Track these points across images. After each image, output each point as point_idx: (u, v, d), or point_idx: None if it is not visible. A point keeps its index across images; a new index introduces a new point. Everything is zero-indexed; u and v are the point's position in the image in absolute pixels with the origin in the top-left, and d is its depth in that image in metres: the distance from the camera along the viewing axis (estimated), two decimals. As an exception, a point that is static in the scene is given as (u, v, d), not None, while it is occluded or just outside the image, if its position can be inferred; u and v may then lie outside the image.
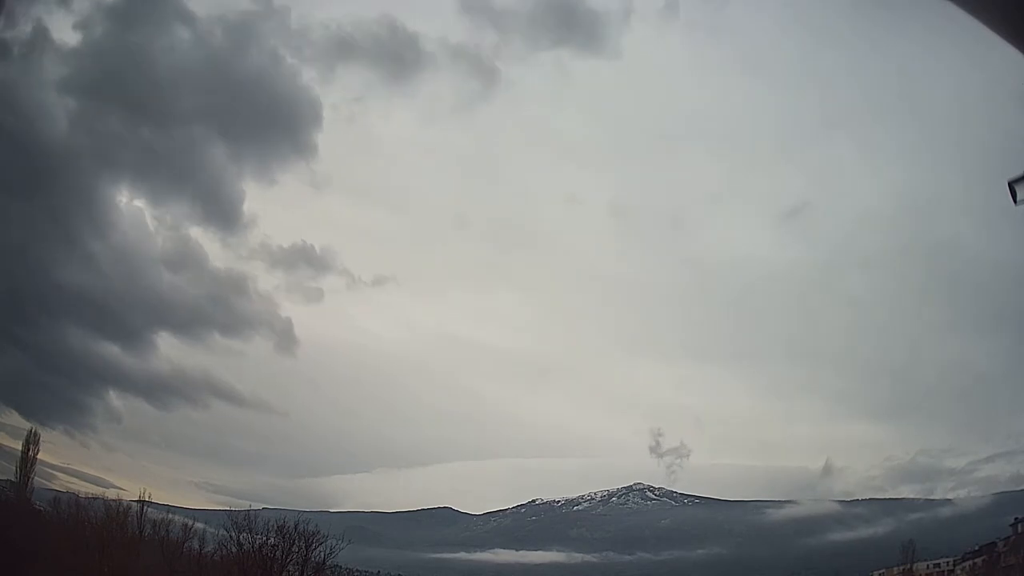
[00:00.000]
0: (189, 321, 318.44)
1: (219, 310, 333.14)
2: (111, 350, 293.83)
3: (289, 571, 71.83)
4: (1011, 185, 4.63)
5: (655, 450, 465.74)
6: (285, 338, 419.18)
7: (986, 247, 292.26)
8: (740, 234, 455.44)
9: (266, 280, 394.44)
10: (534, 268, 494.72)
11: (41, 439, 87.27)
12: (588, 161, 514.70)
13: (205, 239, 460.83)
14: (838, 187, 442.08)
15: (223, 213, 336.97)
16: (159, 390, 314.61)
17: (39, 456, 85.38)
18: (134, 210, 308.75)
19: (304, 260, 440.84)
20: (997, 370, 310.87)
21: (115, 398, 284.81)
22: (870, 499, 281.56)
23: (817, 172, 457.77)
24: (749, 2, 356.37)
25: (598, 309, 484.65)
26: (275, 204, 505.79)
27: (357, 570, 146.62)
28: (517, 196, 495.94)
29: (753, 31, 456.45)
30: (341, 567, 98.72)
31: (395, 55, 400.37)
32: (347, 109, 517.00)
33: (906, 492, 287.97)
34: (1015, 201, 4.61)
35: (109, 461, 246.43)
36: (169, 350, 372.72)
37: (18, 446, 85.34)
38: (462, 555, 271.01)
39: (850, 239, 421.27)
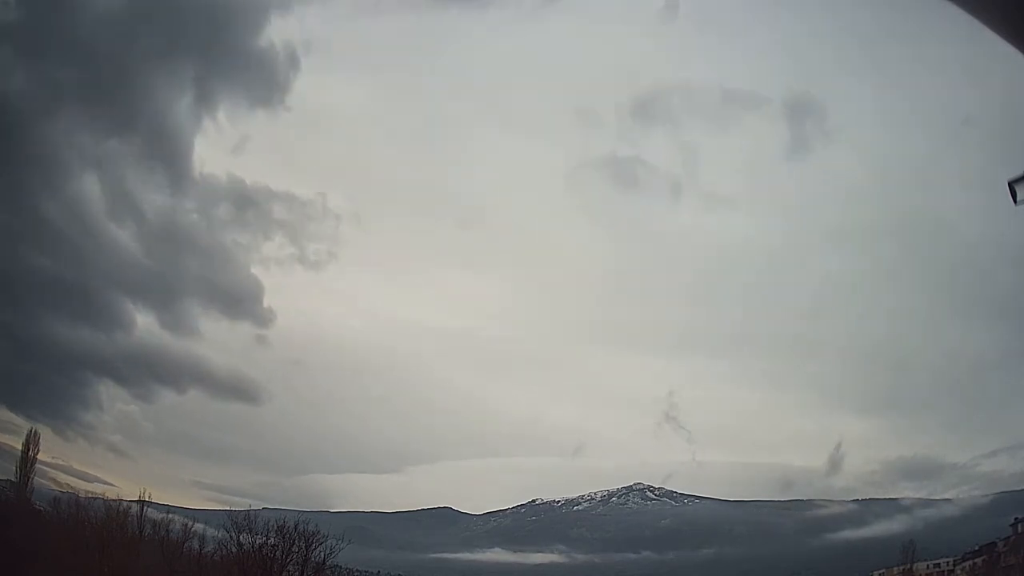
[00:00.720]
0: (164, 295, 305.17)
1: (195, 282, 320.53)
2: (84, 333, 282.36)
3: (289, 571, 71.83)
4: (1011, 185, 4.63)
5: (668, 419, 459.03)
6: (261, 314, 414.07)
7: (988, 236, 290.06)
8: (739, 220, 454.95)
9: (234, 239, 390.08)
10: (521, 255, 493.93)
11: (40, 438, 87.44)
12: (547, 129, 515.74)
13: (165, 194, 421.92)
14: (835, 183, 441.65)
15: (175, 160, 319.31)
16: (139, 375, 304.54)
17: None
18: (90, 169, 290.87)
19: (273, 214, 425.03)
20: (1000, 364, 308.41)
21: (94, 385, 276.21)
22: (870, 499, 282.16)
23: (811, 164, 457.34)
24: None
25: (591, 304, 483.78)
26: (229, 146, 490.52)
27: (357, 570, 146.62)
28: (477, 172, 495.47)
29: (749, 22, 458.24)
30: (341, 567, 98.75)
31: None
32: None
33: (906, 491, 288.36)
34: (1015, 201, 4.61)
35: (94, 455, 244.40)
36: (144, 329, 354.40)
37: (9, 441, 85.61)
38: (462, 555, 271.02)
39: (853, 233, 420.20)
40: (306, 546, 71.89)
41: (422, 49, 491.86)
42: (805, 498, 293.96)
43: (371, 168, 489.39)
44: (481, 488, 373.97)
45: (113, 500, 79.39)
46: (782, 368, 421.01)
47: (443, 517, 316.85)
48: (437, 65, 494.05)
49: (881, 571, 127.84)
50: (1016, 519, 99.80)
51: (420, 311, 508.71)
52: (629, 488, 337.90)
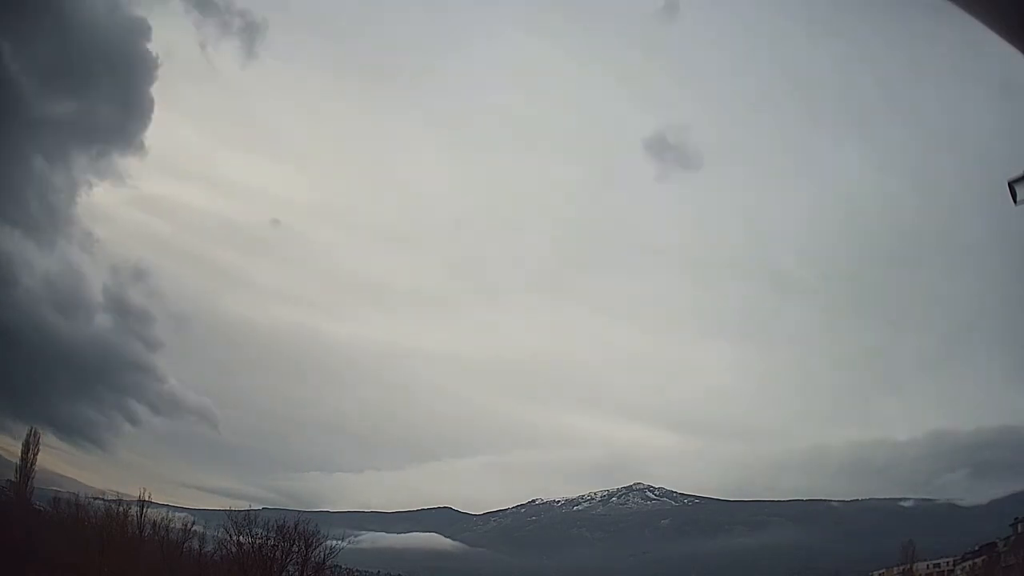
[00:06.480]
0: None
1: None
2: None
3: (289, 571, 71.98)
4: (1011, 185, 4.64)
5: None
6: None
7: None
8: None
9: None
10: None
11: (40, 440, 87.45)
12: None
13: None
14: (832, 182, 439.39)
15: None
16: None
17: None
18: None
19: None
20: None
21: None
22: (870, 498, 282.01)
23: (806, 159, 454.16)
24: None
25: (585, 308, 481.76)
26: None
27: (357, 570, 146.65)
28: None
29: (744, 24, 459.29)
30: (341, 567, 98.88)
31: None
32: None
33: (906, 492, 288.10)
34: (1015, 201, 4.61)
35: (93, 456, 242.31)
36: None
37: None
38: (462, 555, 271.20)
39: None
40: (306, 546, 72.03)
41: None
42: (806, 498, 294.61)
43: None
44: (481, 488, 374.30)
45: (113, 500, 79.44)
46: (783, 362, 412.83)
47: (443, 517, 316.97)
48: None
49: (881, 571, 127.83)
50: (1016, 519, 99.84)
51: (418, 312, 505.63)
52: (629, 488, 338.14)
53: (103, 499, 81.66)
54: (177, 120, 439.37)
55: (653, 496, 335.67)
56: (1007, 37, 4.41)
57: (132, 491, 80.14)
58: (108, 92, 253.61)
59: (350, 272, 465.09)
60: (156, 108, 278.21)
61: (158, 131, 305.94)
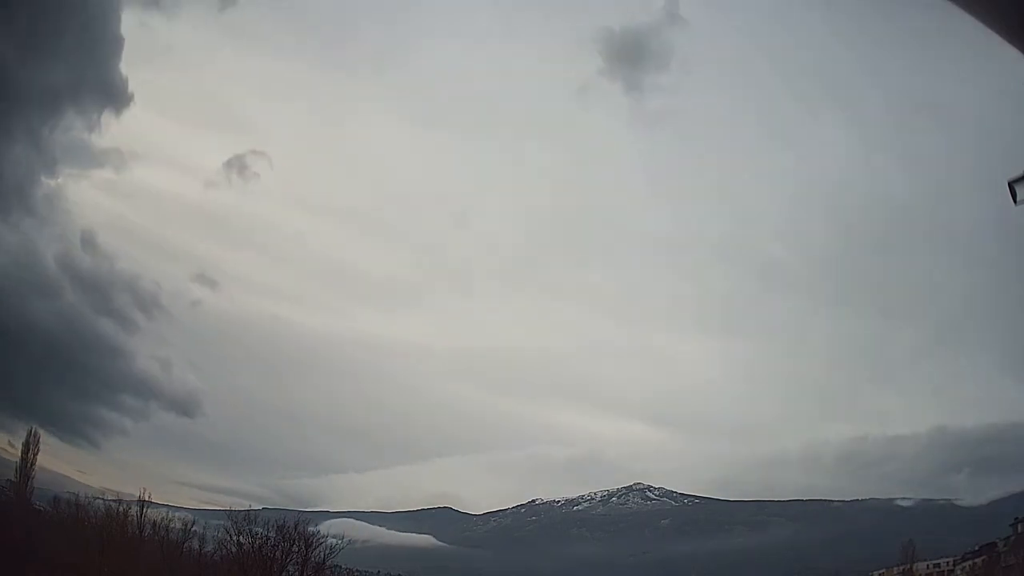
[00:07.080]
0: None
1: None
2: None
3: (289, 571, 72.02)
4: (1011, 185, 4.64)
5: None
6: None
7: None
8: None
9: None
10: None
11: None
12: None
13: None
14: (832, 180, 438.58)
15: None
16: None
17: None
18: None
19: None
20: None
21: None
22: (869, 498, 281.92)
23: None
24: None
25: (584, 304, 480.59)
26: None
27: (357, 570, 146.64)
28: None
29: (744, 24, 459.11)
30: (341, 567, 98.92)
31: None
32: None
33: (906, 491, 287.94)
34: (1015, 201, 4.61)
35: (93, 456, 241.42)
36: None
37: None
38: (462, 555, 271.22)
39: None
40: (306, 546, 72.10)
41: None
42: (806, 498, 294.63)
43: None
44: (481, 488, 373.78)
45: (113, 500, 79.48)
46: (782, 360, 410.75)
47: (443, 517, 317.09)
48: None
49: (881, 571, 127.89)
50: (1016, 519, 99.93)
51: (414, 309, 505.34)
52: (629, 488, 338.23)
53: (103, 499, 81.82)
54: (146, 102, 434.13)
55: (653, 496, 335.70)
56: (1007, 37, 4.42)
57: (132, 491, 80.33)
58: (74, 67, 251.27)
59: (343, 268, 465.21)
60: (126, 88, 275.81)
61: (128, 113, 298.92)
